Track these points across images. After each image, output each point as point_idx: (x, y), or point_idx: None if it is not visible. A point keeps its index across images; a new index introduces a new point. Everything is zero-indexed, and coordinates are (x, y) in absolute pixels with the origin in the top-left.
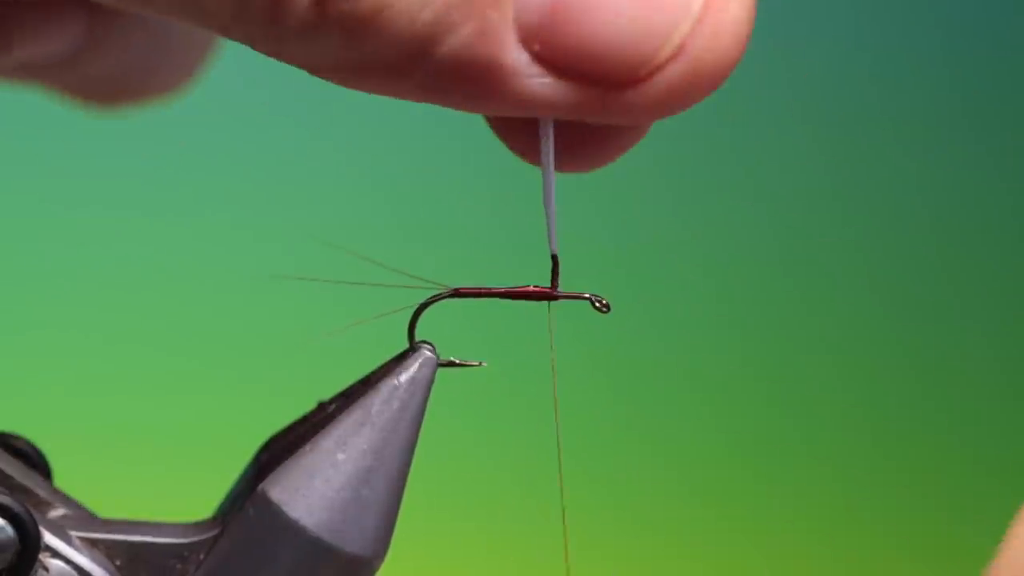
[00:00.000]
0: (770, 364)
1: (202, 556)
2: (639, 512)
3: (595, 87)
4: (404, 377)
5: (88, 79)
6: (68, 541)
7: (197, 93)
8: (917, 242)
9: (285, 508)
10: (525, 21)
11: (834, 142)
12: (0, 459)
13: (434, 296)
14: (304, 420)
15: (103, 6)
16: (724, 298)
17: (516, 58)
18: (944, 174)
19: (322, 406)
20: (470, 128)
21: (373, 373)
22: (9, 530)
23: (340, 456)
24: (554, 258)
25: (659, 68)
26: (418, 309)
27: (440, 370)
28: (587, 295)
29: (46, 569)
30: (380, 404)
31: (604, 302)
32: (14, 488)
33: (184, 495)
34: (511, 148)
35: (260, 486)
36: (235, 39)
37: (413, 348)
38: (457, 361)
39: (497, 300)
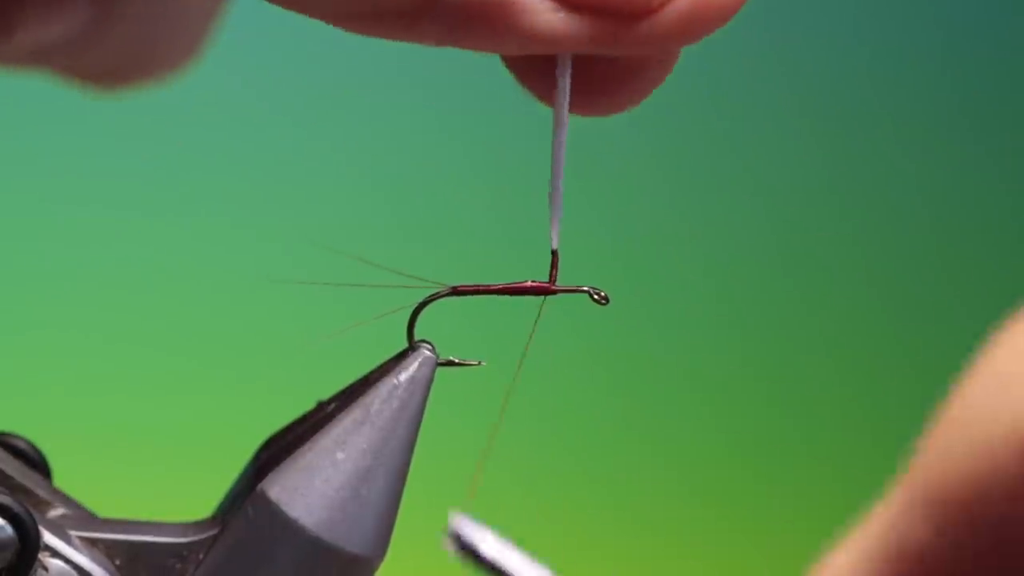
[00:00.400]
0: (768, 359)
1: (201, 555)
2: (638, 510)
3: (608, 19)
4: (403, 376)
5: (94, 61)
6: (68, 540)
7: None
8: (917, 241)
9: (284, 507)
10: None
11: (834, 139)
12: None
13: (432, 295)
14: (303, 419)
15: None
16: (723, 293)
17: None
18: (944, 173)
19: (321, 405)
20: (467, 127)
21: (372, 372)
22: (9, 530)
23: (339, 455)
24: (554, 253)
25: None
26: (416, 308)
27: (439, 369)
28: (585, 288)
29: (45, 569)
30: (379, 403)
31: (603, 294)
32: (14, 488)
33: (183, 495)
34: (531, 90)
35: (259, 485)
36: None
37: (412, 347)
38: (456, 360)
39: (496, 298)
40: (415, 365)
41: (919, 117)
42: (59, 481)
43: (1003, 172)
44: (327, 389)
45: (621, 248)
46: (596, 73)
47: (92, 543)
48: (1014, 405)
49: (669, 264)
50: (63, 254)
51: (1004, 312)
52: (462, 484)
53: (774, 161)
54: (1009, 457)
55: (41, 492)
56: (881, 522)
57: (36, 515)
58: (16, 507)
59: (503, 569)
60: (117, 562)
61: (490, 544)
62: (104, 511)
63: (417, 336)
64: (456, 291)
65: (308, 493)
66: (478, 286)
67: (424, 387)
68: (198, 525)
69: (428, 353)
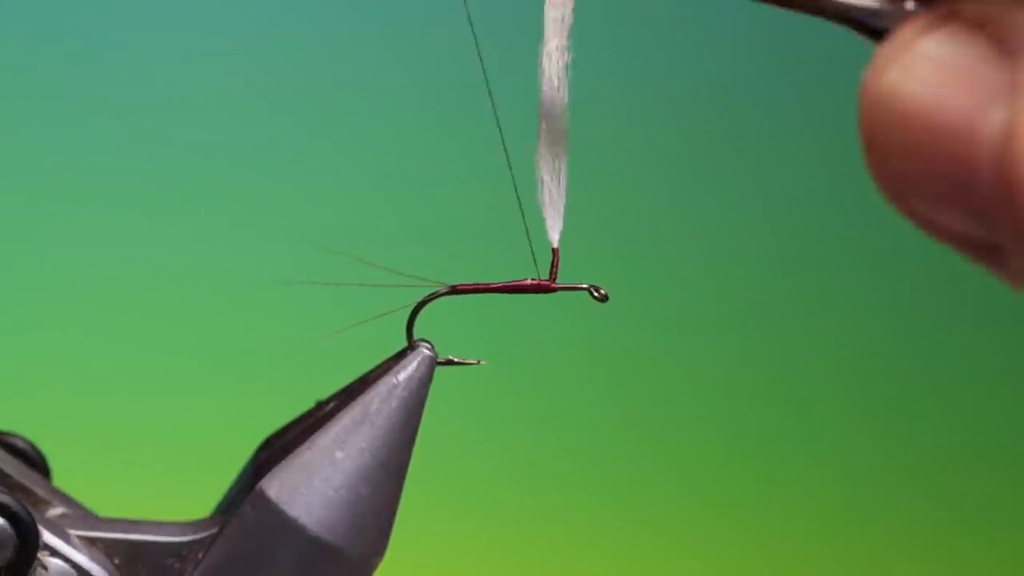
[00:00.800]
0: (768, 359)
1: (200, 555)
2: (638, 509)
3: None
4: (402, 375)
5: None
6: (67, 539)
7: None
8: (917, 241)
9: (284, 507)
10: None
11: (834, 139)
12: None
13: (431, 294)
14: (303, 419)
15: None
16: (723, 293)
17: None
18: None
19: (320, 405)
20: (465, 127)
21: (371, 372)
22: (8, 528)
23: (339, 455)
24: (554, 251)
25: None
26: (415, 307)
27: (439, 368)
28: (585, 285)
29: (45, 568)
30: (379, 402)
31: (603, 292)
32: (13, 487)
33: (183, 494)
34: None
35: (259, 485)
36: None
37: (411, 346)
38: (455, 359)
39: (495, 297)
40: (414, 364)
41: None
42: (59, 481)
43: None
44: (326, 389)
45: (620, 247)
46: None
47: (91, 542)
48: None
49: (669, 263)
50: (63, 254)
51: (1004, 312)
52: (462, 484)
53: (774, 161)
54: None
55: (40, 491)
56: None
57: (35, 514)
58: (15, 506)
59: None
60: (116, 561)
61: None
62: (103, 510)
63: (416, 335)
64: (455, 290)
65: (307, 492)
66: (477, 285)
67: (423, 386)
68: (197, 524)
69: (427, 352)
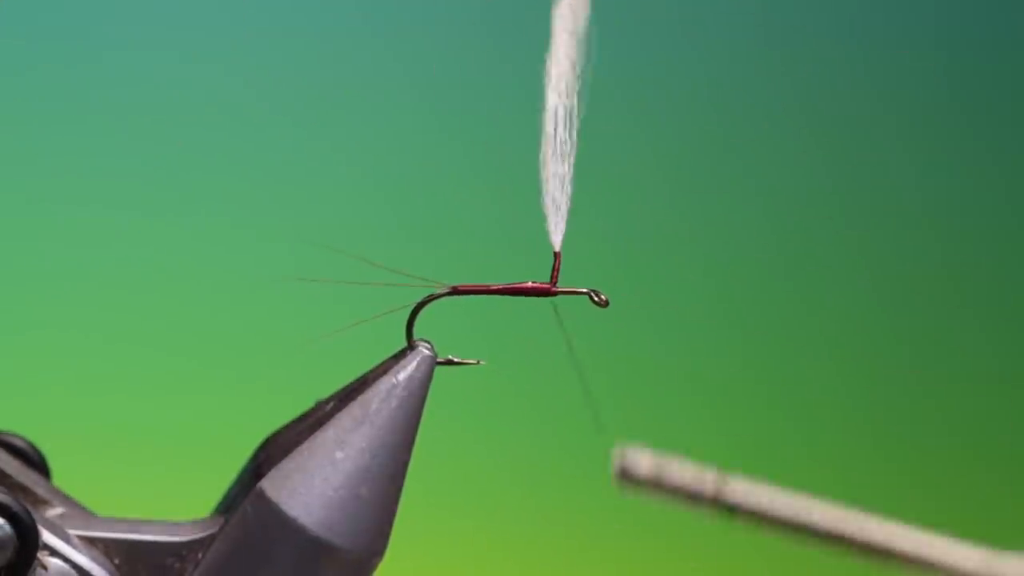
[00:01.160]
0: (768, 359)
1: (200, 555)
2: (638, 510)
3: None
4: (402, 375)
5: None
6: (67, 539)
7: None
8: (918, 241)
9: (284, 507)
10: None
11: (834, 139)
12: None
13: (431, 295)
14: (302, 419)
15: None
16: (723, 294)
17: None
18: (944, 173)
19: (320, 405)
20: (467, 127)
21: (371, 372)
22: (8, 528)
23: (339, 455)
24: (556, 255)
25: None
26: (416, 307)
27: (438, 368)
28: (585, 290)
29: (44, 568)
30: (378, 403)
31: (604, 298)
32: (13, 487)
33: (183, 494)
34: None
35: (258, 485)
36: None
37: (411, 346)
38: (455, 359)
39: (496, 298)
40: (414, 364)
41: (919, 117)
42: (59, 481)
43: (1004, 171)
44: (326, 388)
45: (621, 250)
46: None
47: (91, 542)
48: None
49: (670, 266)
50: (63, 254)
51: (1004, 313)
52: (462, 484)
53: (774, 162)
54: None
55: (40, 491)
56: None
57: (35, 514)
58: (15, 506)
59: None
60: (116, 561)
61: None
62: (103, 510)
63: (416, 335)
64: (456, 291)
65: (307, 492)
66: (478, 286)
67: (423, 386)
68: (197, 524)
69: (427, 352)
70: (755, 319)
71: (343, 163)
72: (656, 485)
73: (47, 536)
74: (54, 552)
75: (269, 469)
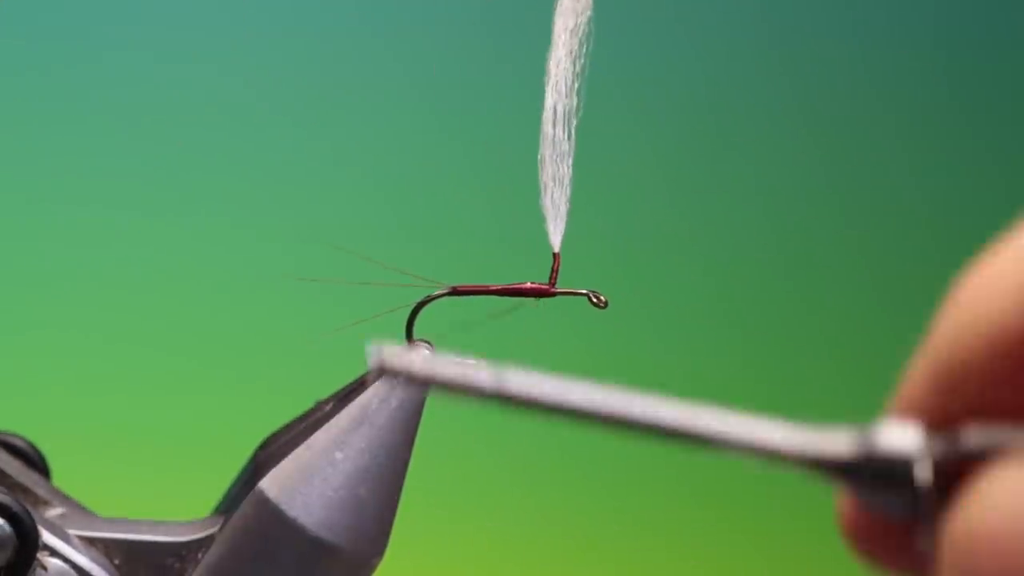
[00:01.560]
0: (768, 359)
1: (200, 554)
2: (638, 509)
3: None
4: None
5: None
6: (67, 540)
7: (197, 93)
8: (917, 241)
9: (283, 507)
10: None
11: (833, 139)
12: None
13: (431, 295)
14: (302, 419)
15: None
16: (723, 295)
17: None
18: (944, 173)
19: (320, 405)
20: (467, 128)
21: (371, 372)
22: (8, 528)
23: (338, 455)
24: (555, 256)
25: None
26: (415, 307)
27: None
28: (584, 291)
29: (44, 568)
30: (378, 403)
31: (603, 299)
32: (13, 487)
33: (182, 494)
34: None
35: (258, 485)
36: None
37: (411, 346)
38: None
39: (496, 298)
40: None
41: (918, 117)
42: (59, 481)
43: (1003, 171)
44: (326, 388)
45: (620, 251)
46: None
47: (91, 542)
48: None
49: (668, 266)
50: (63, 254)
51: None
52: (462, 484)
53: (774, 162)
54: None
55: (40, 491)
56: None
57: (35, 514)
58: (15, 506)
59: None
60: (116, 561)
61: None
62: (103, 511)
63: (416, 335)
64: (455, 291)
65: (307, 492)
66: (477, 286)
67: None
68: (197, 524)
69: (427, 352)
70: (754, 319)
71: (344, 163)
72: (428, 382)
73: (47, 536)
74: (54, 552)
75: (269, 469)
